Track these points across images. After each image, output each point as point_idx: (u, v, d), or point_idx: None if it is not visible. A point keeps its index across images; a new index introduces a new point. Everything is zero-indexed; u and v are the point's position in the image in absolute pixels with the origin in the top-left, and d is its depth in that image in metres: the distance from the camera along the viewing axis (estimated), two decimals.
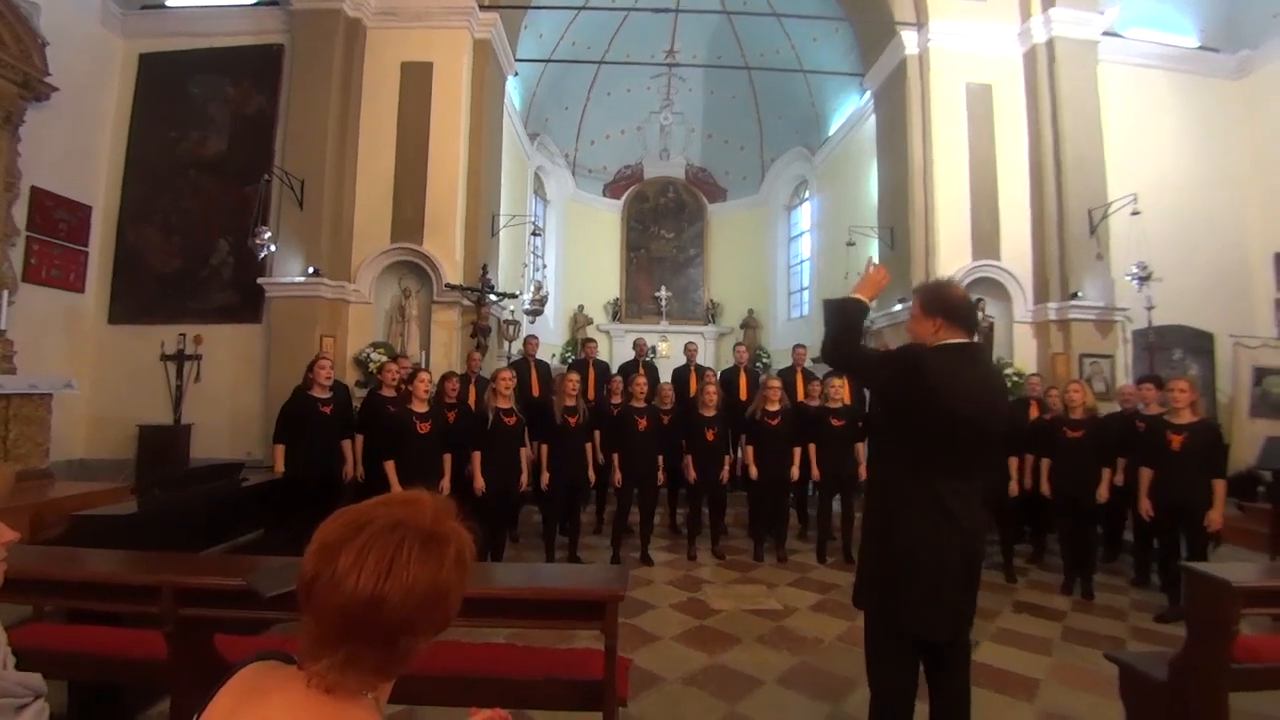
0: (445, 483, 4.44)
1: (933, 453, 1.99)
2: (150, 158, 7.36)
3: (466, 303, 6.91)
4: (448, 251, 6.97)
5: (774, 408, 5.36)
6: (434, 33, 7.30)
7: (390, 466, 4.20)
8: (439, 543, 0.77)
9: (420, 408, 4.40)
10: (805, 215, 13.05)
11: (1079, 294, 6.96)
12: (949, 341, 2.03)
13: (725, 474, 5.42)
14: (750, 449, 5.39)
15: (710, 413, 5.39)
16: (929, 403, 1.93)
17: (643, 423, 5.19)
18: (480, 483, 4.49)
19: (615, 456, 5.16)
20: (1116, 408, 5.55)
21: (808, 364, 6.79)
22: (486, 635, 2.90)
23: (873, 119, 9.08)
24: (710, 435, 5.35)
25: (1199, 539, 4.18)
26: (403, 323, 6.94)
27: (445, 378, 5.23)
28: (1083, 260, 7.08)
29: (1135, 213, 6.74)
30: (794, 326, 12.70)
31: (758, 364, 11.26)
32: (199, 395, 6.93)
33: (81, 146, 7.01)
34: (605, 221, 13.91)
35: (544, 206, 12.76)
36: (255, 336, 6.98)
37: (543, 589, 2.04)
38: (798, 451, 5.38)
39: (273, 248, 6.33)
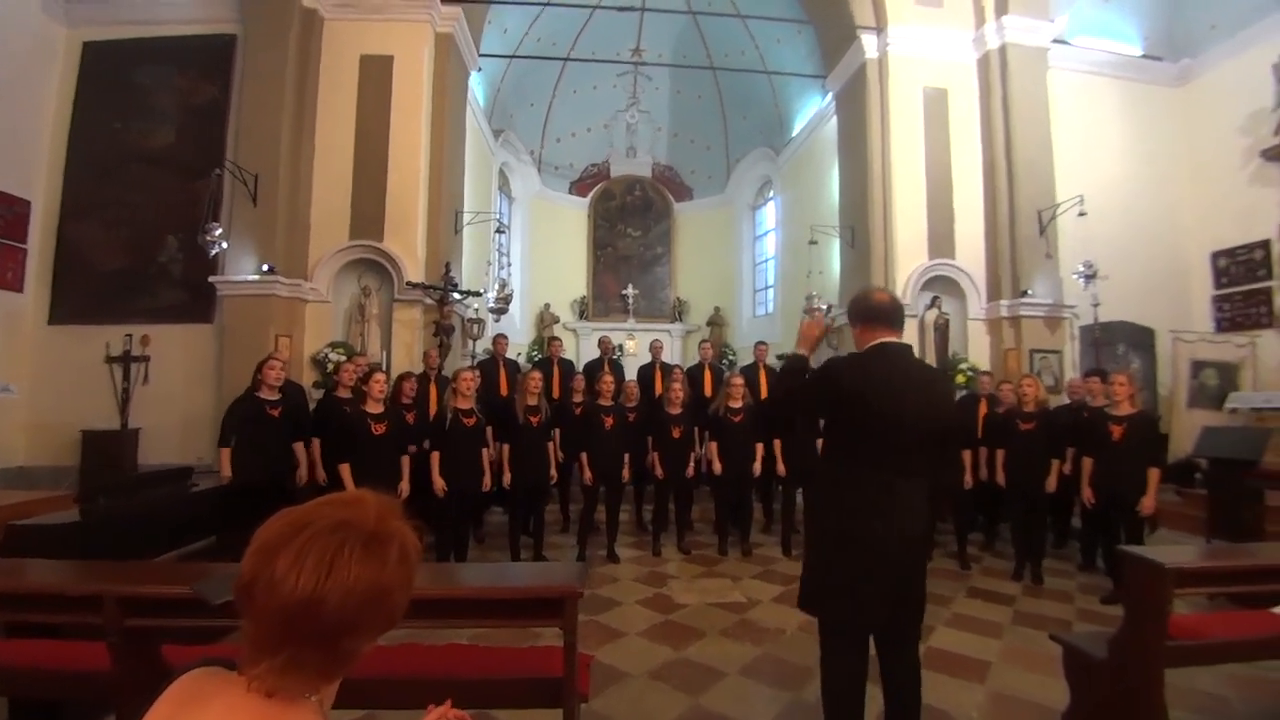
0: (404, 484, 4.37)
1: (864, 449, 2.09)
2: (94, 150, 7.03)
3: (429, 301, 6.80)
4: (409, 249, 6.85)
5: (737, 404, 5.43)
6: (394, 25, 7.16)
7: (345, 469, 4.11)
8: (382, 542, 0.76)
9: (375, 408, 4.31)
10: (770, 214, 13.22)
11: (1029, 292, 7.24)
12: (875, 341, 2.17)
13: (690, 470, 5.47)
14: (714, 445, 5.44)
15: (676, 410, 5.43)
16: (849, 405, 2.08)
17: (609, 421, 5.19)
18: (439, 483, 4.43)
19: (583, 455, 5.15)
20: (1065, 401, 5.79)
21: (770, 360, 6.89)
22: (448, 636, 2.88)
23: (834, 120, 9.25)
24: (676, 432, 5.39)
25: (1136, 524, 4.40)
26: (363, 322, 6.79)
27: (402, 378, 5.15)
28: (1033, 259, 7.36)
29: (1082, 214, 7.03)
30: (759, 324, 12.86)
31: (724, 361, 11.37)
32: (147, 398, 6.65)
33: (19, 138, 6.67)
34: (572, 219, 13.85)
35: (509, 204, 12.63)
36: (207, 337, 6.74)
37: (500, 588, 2.03)
38: (760, 447, 5.46)
39: (224, 244, 6.12)
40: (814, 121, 10.64)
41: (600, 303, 13.75)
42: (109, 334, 6.67)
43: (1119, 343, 7.77)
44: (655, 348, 7.25)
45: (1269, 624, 2.74)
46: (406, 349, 6.72)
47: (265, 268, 6.39)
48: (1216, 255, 8.14)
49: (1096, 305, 6.96)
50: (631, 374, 6.76)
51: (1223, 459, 4.92)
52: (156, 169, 7.02)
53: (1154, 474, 4.34)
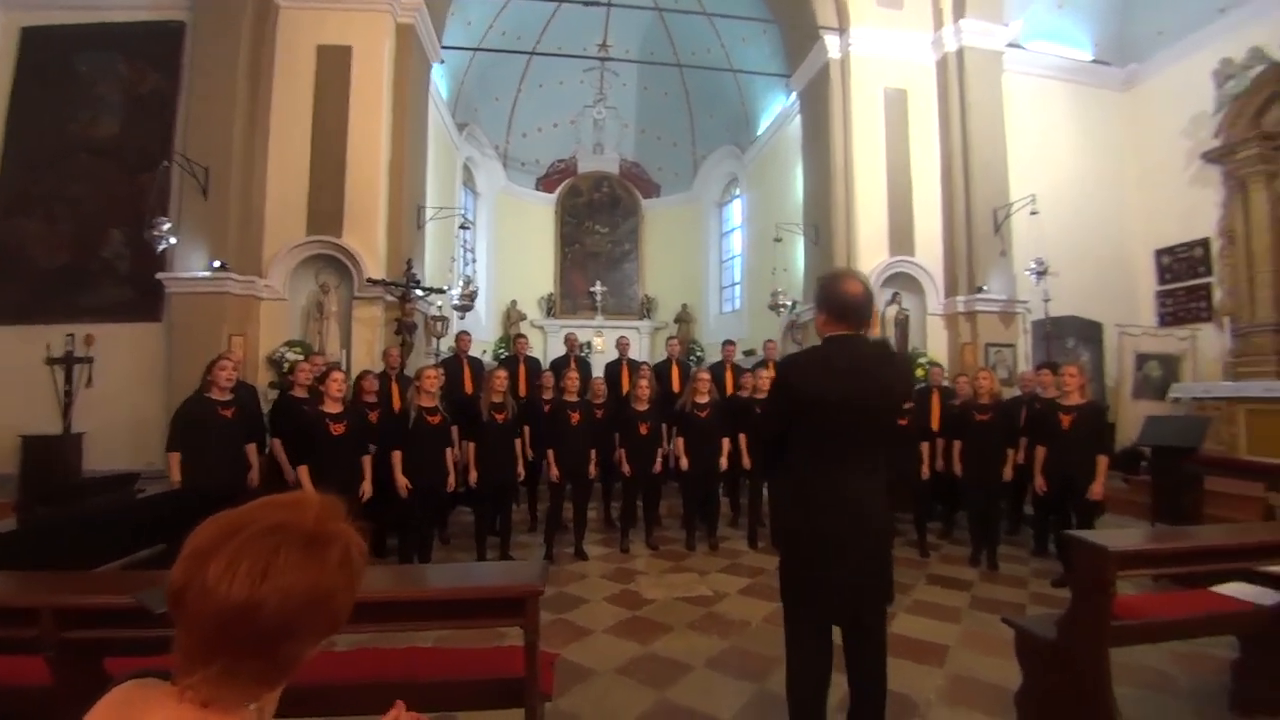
0: (366, 485, 4.27)
1: (822, 443, 2.12)
2: (33, 141, 6.69)
3: (390, 298, 6.65)
4: (370, 245, 6.69)
5: (703, 400, 5.46)
6: (353, 15, 6.98)
7: (304, 471, 4.00)
8: (321, 544, 0.73)
9: (333, 408, 4.20)
10: (736, 212, 13.34)
11: (984, 288, 7.46)
12: (830, 335, 2.17)
13: (658, 466, 5.48)
14: (681, 440, 5.47)
15: (644, 407, 5.44)
16: (804, 403, 2.09)
17: (575, 417, 5.17)
18: (403, 483, 4.34)
19: (550, 452, 5.12)
20: (1017, 393, 5.99)
21: (738, 358, 6.95)
22: (411, 639, 2.83)
23: (798, 119, 9.37)
24: (644, 429, 5.39)
25: (1086, 510, 4.58)
26: (321, 320, 6.60)
27: (361, 376, 5.04)
28: (988, 257, 7.59)
29: (1034, 213, 7.28)
30: (726, 320, 12.98)
31: (691, 357, 11.44)
32: (91, 401, 6.36)
33: None
34: (538, 215, 13.74)
35: (474, 199, 12.46)
36: (155, 336, 6.47)
37: (459, 589, 2.00)
38: (726, 442, 5.51)
39: (173, 240, 5.89)
40: (779, 120, 10.77)
41: (568, 300, 13.69)
42: (50, 334, 6.36)
43: (1069, 336, 8.07)
44: (622, 344, 7.24)
45: (1208, 603, 2.89)
46: (367, 347, 6.57)
47: (217, 264, 6.17)
48: (1160, 253, 8.51)
49: (1048, 300, 7.21)
50: (599, 371, 6.74)
51: (1165, 447, 5.16)
52: (100, 161, 6.71)
53: (1102, 461, 4.52)
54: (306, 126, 6.81)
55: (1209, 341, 7.71)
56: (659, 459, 5.48)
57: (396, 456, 4.38)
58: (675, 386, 6.53)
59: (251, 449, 4.59)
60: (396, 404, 5.13)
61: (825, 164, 8.13)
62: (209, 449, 4.21)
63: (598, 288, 13.48)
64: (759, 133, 11.78)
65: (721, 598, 4.21)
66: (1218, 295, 7.74)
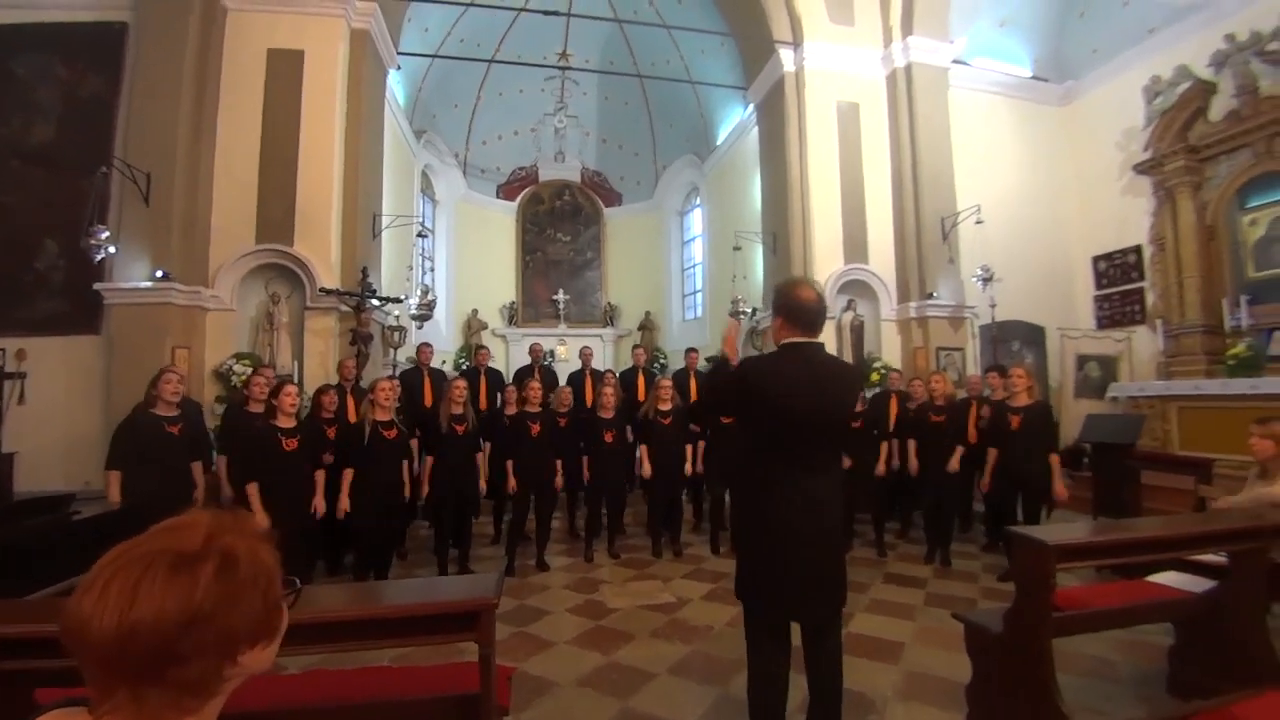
0: (318, 501, 4.14)
1: (778, 447, 2.16)
2: None
3: (345, 308, 6.48)
4: (322, 254, 6.51)
5: (666, 407, 5.49)
6: (305, 19, 6.81)
7: (253, 488, 3.85)
8: (194, 562, 0.71)
9: (286, 423, 4.07)
10: (697, 220, 13.48)
11: (934, 294, 7.72)
12: (787, 340, 2.23)
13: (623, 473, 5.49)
14: (645, 448, 5.48)
15: (609, 415, 5.43)
16: (761, 406, 2.14)
17: (535, 428, 5.13)
18: (345, 504, 4.22)
19: (509, 463, 5.06)
20: (964, 395, 6.21)
21: (701, 365, 7.01)
22: (368, 658, 2.76)
23: (756, 131, 9.55)
24: (609, 437, 5.39)
25: (1033, 506, 4.78)
26: (271, 331, 6.38)
27: (320, 391, 4.89)
28: (937, 264, 7.86)
29: (979, 222, 7.57)
30: (688, 328, 13.08)
31: (655, 365, 11.49)
32: (23, 419, 5.99)
33: None
34: (499, 223, 13.61)
35: (433, 207, 12.27)
36: (93, 349, 6.15)
37: (410, 605, 1.96)
38: (690, 448, 5.55)
39: (112, 249, 5.62)
40: (737, 131, 10.95)
41: (530, 308, 13.58)
42: None
43: (1014, 340, 8.41)
44: (585, 354, 7.24)
45: (1145, 592, 3.04)
46: (321, 359, 6.38)
47: (159, 274, 5.92)
48: (1097, 259, 8.95)
49: (994, 306, 7.50)
50: (564, 380, 6.71)
51: (1104, 444, 5.41)
52: (34, 166, 6.37)
53: (1055, 460, 4.73)
54: (256, 132, 6.61)
55: (1143, 343, 8.13)
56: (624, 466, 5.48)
57: (347, 475, 4.26)
58: (640, 395, 6.55)
59: (197, 467, 4.41)
60: (352, 417, 5.01)
61: (782, 174, 8.31)
62: (153, 467, 4.03)
63: (560, 296, 13.42)
64: (718, 143, 11.96)
65: (685, 604, 4.23)
66: (1150, 299, 8.18)
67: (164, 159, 6.12)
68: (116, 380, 5.81)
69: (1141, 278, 8.34)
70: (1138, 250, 8.36)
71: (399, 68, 8.54)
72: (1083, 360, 8.21)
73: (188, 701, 0.72)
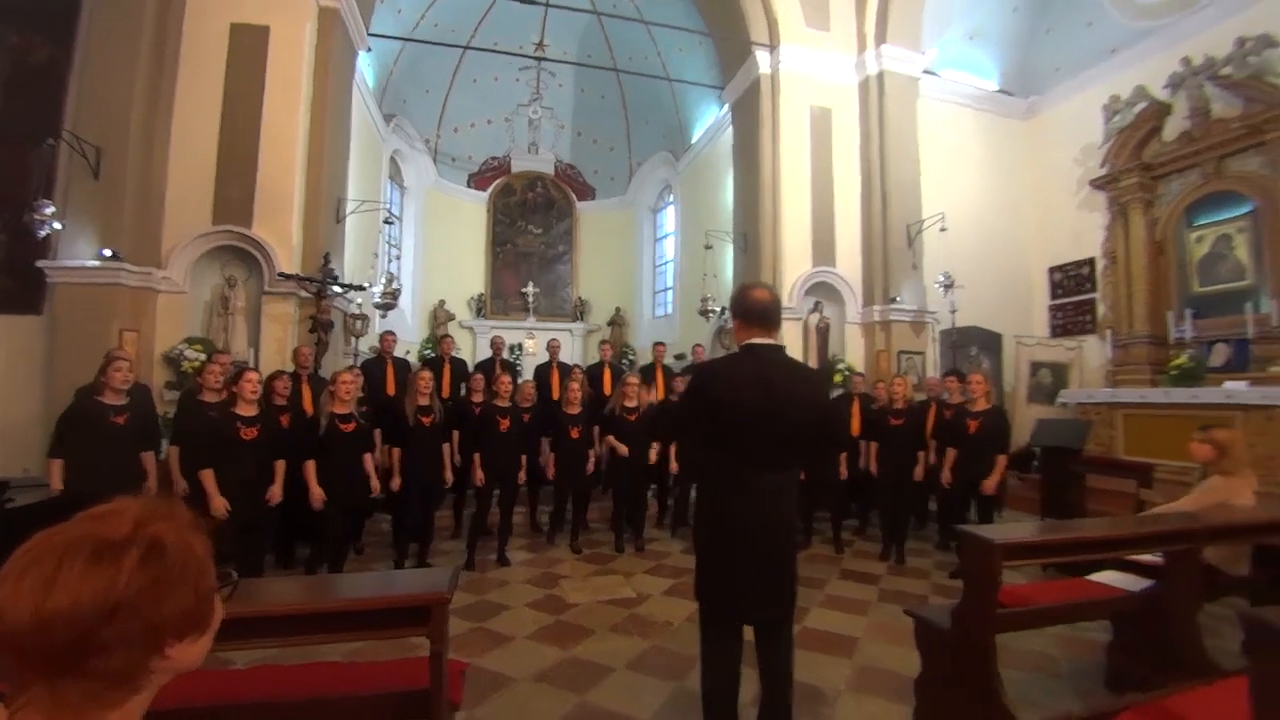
0: (275, 489, 4.03)
1: (734, 446, 2.19)
2: None
3: (305, 294, 6.30)
4: (283, 237, 6.31)
5: (632, 403, 5.49)
6: None
7: (208, 476, 3.73)
8: (117, 549, 0.69)
9: (247, 411, 3.94)
10: (670, 218, 13.52)
11: (898, 299, 7.90)
12: (748, 341, 2.26)
13: (590, 468, 5.47)
14: (609, 442, 5.47)
15: (575, 410, 5.41)
16: (718, 407, 2.17)
17: (505, 423, 5.07)
18: (318, 494, 4.12)
19: (476, 456, 5.00)
20: (923, 398, 6.37)
21: (668, 360, 7.03)
22: (319, 654, 2.69)
23: (730, 131, 9.61)
24: (575, 433, 5.36)
25: (986, 506, 4.94)
26: (226, 316, 6.17)
27: (273, 377, 4.75)
28: (902, 269, 8.03)
29: (943, 229, 7.77)
30: (659, 325, 13.11)
31: (624, 361, 11.49)
32: None
33: None
34: (469, 213, 13.42)
35: (401, 194, 12.03)
36: (34, 330, 5.86)
37: (359, 600, 1.91)
38: (656, 445, 5.56)
39: (57, 225, 5.37)
40: (712, 130, 11.00)
41: (499, 300, 13.44)
42: None
43: (972, 345, 8.66)
44: (552, 347, 7.19)
45: (1085, 590, 3.16)
46: (278, 346, 6.18)
47: (108, 253, 5.66)
48: (1053, 270, 9.27)
49: (954, 311, 7.71)
50: (528, 374, 6.65)
51: (1053, 447, 5.61)
52: None
53: (1000, 460, 4.90)
54: (216, 108, 6.37)
55: (1093, 352, 8.46)
56: (590, 461, 5.47)
57: (310, 467, 4.15)
58: (607, 390, 6.54)
59: (148, 457, 4.24)
60: (308, 407, 4.87)
61: (754, 175, 8.37)
62: (98, 456, 3.84)
63: (530, 289, 13.31)
64: (693, 141, 12.00)
65: (645, 599, 4.24)
66: (1101, 310, 8.51)
67: (117, 133, 5.85)
68: (58, 363, 5.55)
69: (1094, 289, 8.67)
70: (1091, 263, 8.69)
71: (369, 49, 8.33)
72: (1036, 367, 8.50)
73: (110, 694, 0.70)
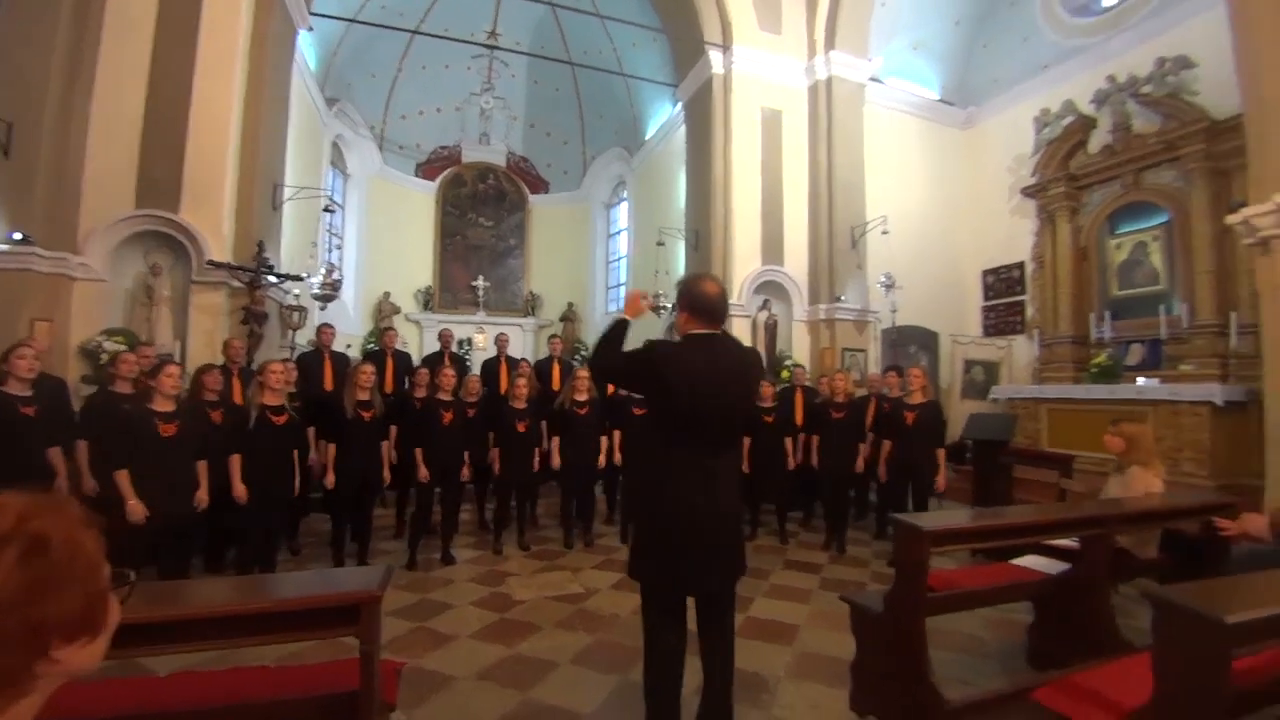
0: (202, 493, 3.81)
1: (677, 431, 2.22)
2: None
3: (237, 284, 5.98)
4: (213, 223, 5.96)
5: (582, 398, 5.47)
6: None
7: (123, 476, 3.49)
8: None
9: (164, 406, 3.71)
10: (624, 214, 13.51)
11: (842, 298, 8.14)
12: (693, 332, 2.28)
13: (536, 464, 5.41)
14: (556, 439, 5.44)
15: (520, 405, 5.34)
16: (663, 388, 2.19)
17: (448, 416, 4.96)
18: (240, 490, 3.93)
19: (418, 452, 4.87)
20: (865, 393, 6.59)
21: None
22: (259, 659, 2.58)
23: (684, 128, 9.67)
24: (521, 427, 5.29)
25: (923, 495, 5.15)
26: (150, 306, 5.79)
27: (203, 371, 4.50)
28: (846, 270, 8.28)
29: (885, 232, 8.04)
30: (610, 320, 13.08)
31: (576, 357, 11.42)
32: None
33: None
34: (417, 203, 13.05)
35: (343, 181, 11.60)
36: None
37: (284, 600, 1.84)
38: (605, 440, 5.56)
39: None
40: (665, 127, 11.05)
41: (448, 294, 13.14)
42: None
43: (911, 343, 9.00)
44: (501, 341, 7.08)
45: (1009, 574, 3.33)
46: (207, 338, 5.85)
47: (17, 236, 5.23)
48: (986, 273, 9.72)
49: (895, 311, 8.01)
50: (477, 370, 6.52)
51: (983, 440, 5.88)
52: None
53: (940, 454, 5.13)
54: (141, 84, 5.96)
55: (1022, 350, 8.93)
56: (536, 458, 5.41)
57: (235, 461, 3.95)
58: (555, 385, 6.48)
59: (55, 453, 3.96)
60: (239, 401, 4.64)
61: (706, 174, 8.46)
62: (2, 450, 3.57)
63: (480, 282, 13.06)
64: (647, 137, 12.02)
65: (593, 594, 4.23)
66: (1029, 311, 8.98)
67: (30, 106, 5.41)
68: None
69: (1023, 291, 9.14)
70: (1021, 266, 9.15)
71: (311, 28, 7.98)
72: (970, 364, 8.91)
73: None
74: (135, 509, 3.42)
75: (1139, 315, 7.42)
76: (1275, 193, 4.36)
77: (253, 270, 5.92)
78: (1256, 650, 1.89)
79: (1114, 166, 7.75)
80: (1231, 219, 4.98)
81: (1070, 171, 8.22)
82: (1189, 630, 1.67)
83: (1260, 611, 1.63)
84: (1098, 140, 7.98)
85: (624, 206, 13.48)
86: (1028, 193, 8.84)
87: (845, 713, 2.72)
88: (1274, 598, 1.76)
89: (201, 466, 3.86)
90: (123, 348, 5.06)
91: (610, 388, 6.42)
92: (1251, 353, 5.98)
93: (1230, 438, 6.16)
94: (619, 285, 13.53)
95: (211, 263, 5.78)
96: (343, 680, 1.93)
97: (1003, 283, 9.49)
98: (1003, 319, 9.43)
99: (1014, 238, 9.21)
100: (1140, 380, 6.98)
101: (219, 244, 5.94)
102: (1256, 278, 4.87)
